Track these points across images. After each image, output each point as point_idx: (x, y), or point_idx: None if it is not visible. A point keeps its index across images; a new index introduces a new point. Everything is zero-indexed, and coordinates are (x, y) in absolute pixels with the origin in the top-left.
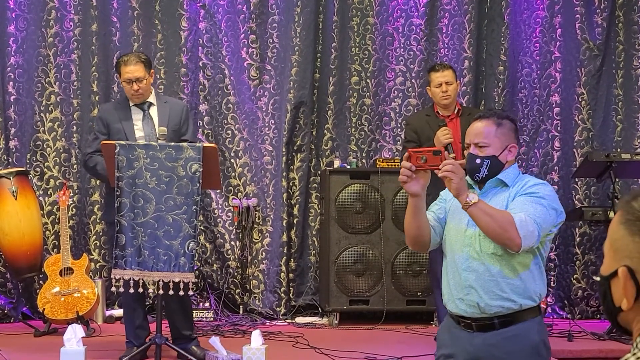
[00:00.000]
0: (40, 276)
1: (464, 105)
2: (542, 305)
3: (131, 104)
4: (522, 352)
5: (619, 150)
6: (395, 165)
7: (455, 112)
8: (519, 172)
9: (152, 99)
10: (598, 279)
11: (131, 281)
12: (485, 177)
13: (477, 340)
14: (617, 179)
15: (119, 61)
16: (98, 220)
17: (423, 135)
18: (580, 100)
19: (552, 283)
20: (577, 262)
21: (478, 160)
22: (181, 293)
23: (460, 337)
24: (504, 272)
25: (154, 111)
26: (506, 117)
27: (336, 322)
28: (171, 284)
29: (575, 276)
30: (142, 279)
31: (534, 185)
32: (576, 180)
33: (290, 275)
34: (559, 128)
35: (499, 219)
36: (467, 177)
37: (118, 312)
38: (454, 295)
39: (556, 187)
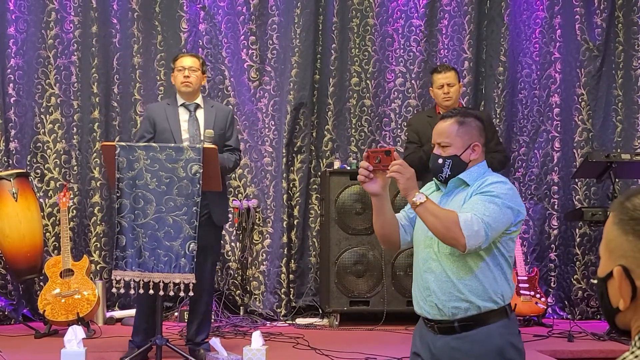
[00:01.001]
0: (41, 278)
1: (466, 106)
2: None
3: (179, 103)
4: (485, 357)
5: (618, 150)
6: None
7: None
8: (484, 170)
9: (199, 101)
10: (595, 281)
11: (132, 282)
12: (449, 177)
13: (440, 342)
14: (617, 180)
15: (176, 56)
16: (98, 222)
17: (424, 136)
18: (580, 100)
19: (552, 284)
20: (577, 262)
21: (440, 160)
22: (182, 294)
23: (427, 338)
24: (461, 273)
25: (200, 113)
26: (471, 115)
27: (336, 323)
28: (172, 285)
29: (575, 277)
30: (143, 280)
31: (491, 184)
32: (576, 180)
33: (291, 276)
34: (559, 129)
35: (443, 219)
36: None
37: (118, 313)
38: (417, 297)
39: (556, 187)
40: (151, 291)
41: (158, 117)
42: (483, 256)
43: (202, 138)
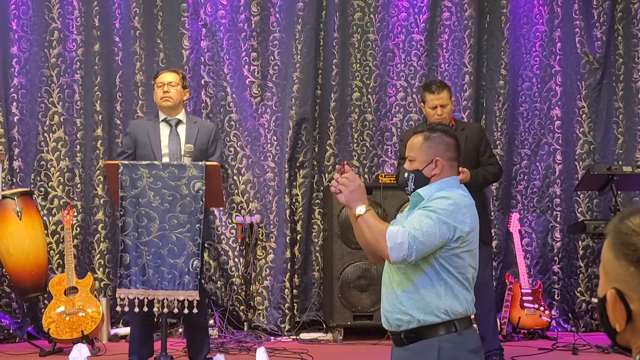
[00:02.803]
0: (45, 296)
1: (458, 119)
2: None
3: (160, 118)
4: None
5: (620, 163)
6: (386, 180)
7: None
8: (445, 186)
9: (181, 116)
10: (596, 300)
11: (136, 300)
12: (413, 191)
13: (395, 353)
14: (618, 192)
15: (157, 73)
16: (102, 239)
17: None
18: (581, 113)
19: (555, 296)
20: (581, 275)
21: (406, 174)
22: (186, 311)
23: (391, 348)
24: (404, 286)
25: (181, 129)
26: (439, 130)
27: (340, 337)
28: (176, 302)
29: (579, 289)
30: (147, 298)
31: (433, 200)
32: (578, 193)
33: (294, 291)
34: (560, 141)
35: (374, 231)
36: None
37: (123, 330)
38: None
39: (558, 200)
40: (155, 308)
41: (139, 133)
42: (425, 270)
43: (182, 153)
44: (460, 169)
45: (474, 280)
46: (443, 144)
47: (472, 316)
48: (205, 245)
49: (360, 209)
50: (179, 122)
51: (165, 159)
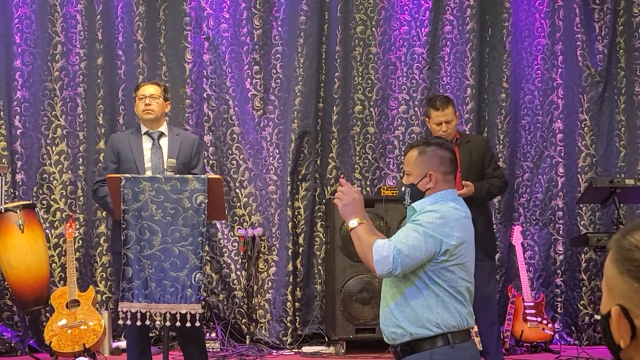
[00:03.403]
0: (47, 309)
1: (462, 132)
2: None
3: (142, 131)
4: None
5: (622, 176)
6: (388, 193)
7: (454, 141)
8: (438, 200)
9: (163, 129)
10: (599, 317)
11: (138, 314)
12: (410, 204)
13: None
14: (621, 205)
15: (137, 86)
16: (104, 252)
17: None
18: (583, 126)
19: (559, 309)
20: (584, 288)
21: (403, 188)
22: (188, 324)
23: None
24: (397, 298)
25: (164, 142)
26: (434, 144)
27: (343, 351)
28: (178, 316)
29: (581, 302)
30: (149, 312)
31: (421, 213)
32: (581, 206)
33: (297, 304)
34: (562, 154)
35: (363, 244)
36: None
37: (124, 344)
38: None
39: (560, 213)
40: (158, 322)
41: (121, 146)
42: (416, 283)
43: (164, 167)
44: (464, 182)
45: (471, 294)
46: (437, 158)
47: (475, 329)
48: (207, 258)
49: (353, 222)
50: (161, 134)
51: (148, 173)
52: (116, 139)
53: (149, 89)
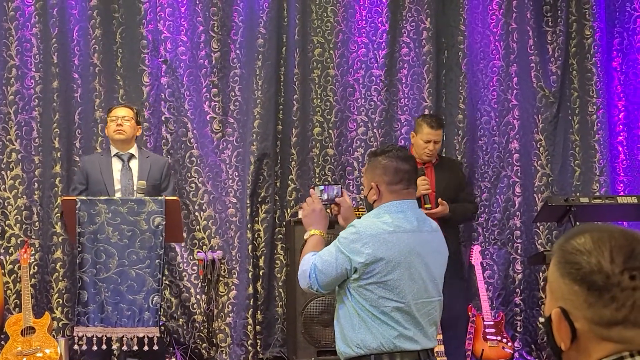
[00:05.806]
0: (2, 336)
1: (441, 155)
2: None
3: (112, 153)
4: None
5: (577, 194)
6: (359, 214)
7: (433, 162)
8: (380, 212)
9: (134, 151)
10: (542, 320)
11: (94, 338)
12: None
13: None
14: (577, 223)
15: (110, 108)
16: (60, 278)
17: None
18: (538, 146)
19: (518, 328)
20: (543, 305)
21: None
22: (145, 348)
23: None
24: (337, 316)
25: (134, 164)
26: (379, 154)
27: None
28: (135, 340)
29: (541, 320)
30: (106, 336)
31: (347, 228)
32: (538, 225)
33: (257, 327)
34: (519, 174)
35: (302, 257)
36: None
37: None
38: None
39: (518, 232)
40: (114, 347)
41: (91, 169)
42: (344, 301)
43: (134, 188)
44: (440, 200)
45: (408, 314)
46: (379, 168)
47: (442, 348)
48: (167, 282)
49: (306, 234)
50: (132, 156)
51: (118, 194)
52: (86, 161)
53: (122, 111)
